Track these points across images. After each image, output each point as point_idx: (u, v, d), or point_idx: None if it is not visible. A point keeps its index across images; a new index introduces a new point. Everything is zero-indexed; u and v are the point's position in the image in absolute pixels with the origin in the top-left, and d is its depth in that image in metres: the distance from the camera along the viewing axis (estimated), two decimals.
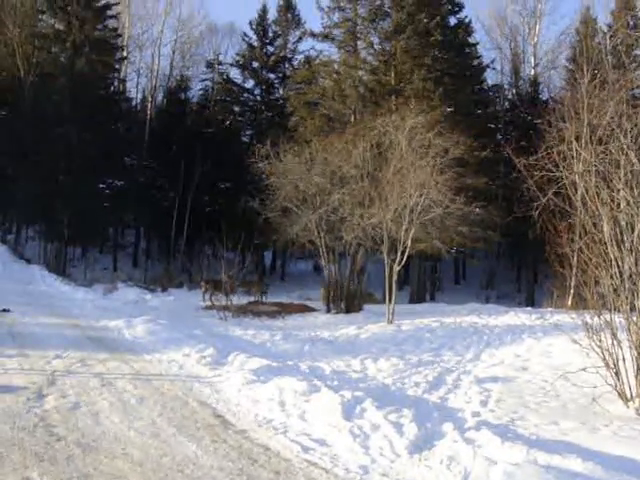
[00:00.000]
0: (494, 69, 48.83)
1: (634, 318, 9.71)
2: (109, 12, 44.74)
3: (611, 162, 10.72)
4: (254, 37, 49.18)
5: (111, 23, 45.78)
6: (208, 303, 24.22)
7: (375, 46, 38.46)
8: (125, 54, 50.29)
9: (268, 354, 14.29)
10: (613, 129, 11.01)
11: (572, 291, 19.12)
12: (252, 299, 26.80)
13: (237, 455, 7.50)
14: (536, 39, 49.46)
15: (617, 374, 9.98)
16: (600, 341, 10.06)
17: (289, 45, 50.46)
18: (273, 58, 49.08)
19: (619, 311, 10.06)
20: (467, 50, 41.79)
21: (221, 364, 12.80)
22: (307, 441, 8.13)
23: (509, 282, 46.42)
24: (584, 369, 10.23)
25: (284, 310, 23.89)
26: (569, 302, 20.17)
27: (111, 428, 8.36)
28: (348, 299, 24.51)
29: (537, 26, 49.69)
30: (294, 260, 49.87)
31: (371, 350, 15.25)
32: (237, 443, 7.98)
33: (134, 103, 54.98)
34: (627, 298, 9.84)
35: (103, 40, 43.80)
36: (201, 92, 51.95)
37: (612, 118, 11.35)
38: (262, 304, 25.63)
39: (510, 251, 47.01)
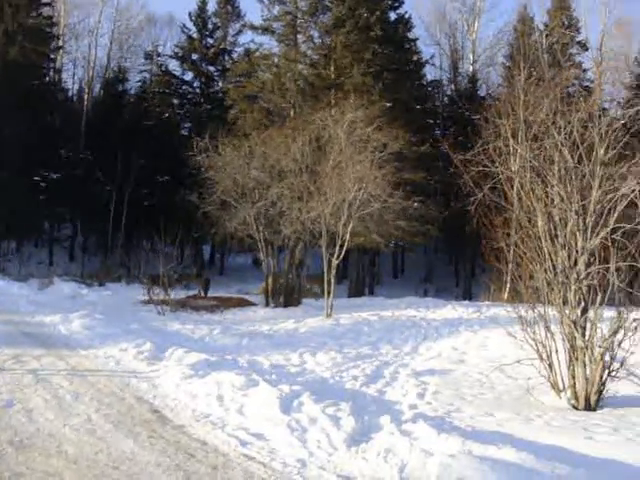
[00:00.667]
0: (433, 65, 49.43)
1: (566, 311, 9.90)
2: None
3: (546, 158, 10.90)
4: (193, 29, 48.58)
5: (46, 11, 44.54)
6: (146, 297, 23.99)
7: (315, 40, 38.53)
8: (61, 43, 49.01)
9: (206, 348, 14.22)
10: (548, 126, 11.18)
11: (508, 285, 19.44)
12: (191, 293, 26.63)
13: (174, 450, 7.44)
14: (475, 36, 50.09)
15: (550, 366, 10.18)
16: (534, 333, 10.26)
17: (229, 37, 50.05)
18: (213, 50, 48.58)
19: (552, 304, 10.25)
20: (407, 45, 42.00)
21: (159, 359, 12.69)
22: (245, 435, 8.10)
23: (447, 276, 46.93)
24: (519, 361, 10.42)
25: (223, 304, 23.81)
26: (505, 295, 20.51)
27: (45, 425, 8.21)
28: (287, 293, 24.53)
29: (476, 23, 50.32)
30: (233, 254, 49.62)
31: (310, 344, 15.29)
32: (174, 438, 7.92)
33: (70, 94, 53.95)
34: (560, 292, 10.03)
35: (37, 28, 42.52)
36: (139, 84, 51.20)
37: (547, 115, 11.51)
38: (201, 298, 25.51)
39: (448, 245, 47.50)
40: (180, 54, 48.96)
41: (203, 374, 10.92)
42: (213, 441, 7.87)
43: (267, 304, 24.47)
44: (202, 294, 27.23)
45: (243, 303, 24.81)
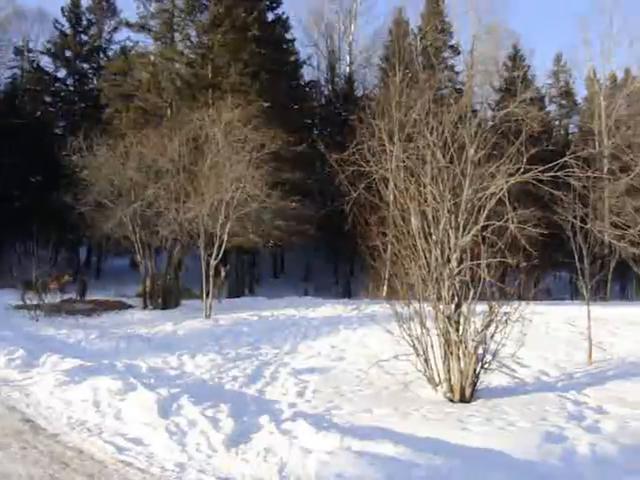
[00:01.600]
0: (311, 66, 49.73)
1: (441, 307, 10.15)
2: None
3: (419, 158, 11.14)
4: (67, 24, 47.07)
5: None
6: (19, 303, 23.15)
7: (192, 39, 38.11)
8: None
9: (83, 354, 13.90)
10: (421, 127, 11.43)
11: (386, 282, 19.79)
12: (66, 297, 25.89)
13: (48, 461, 7.22)
14: (351, 38, 50.76)
15: (426, 361, 10.42)
16: (410, 329, 10.46)
17: (104, 34, 48.74)
18: (87, 47, 47.27)
19: (427, 300, 10.49)
20: (284, 46, 42.20)
21: (32, 366, 12.34)
22: (122, 441, 7.95)
23: (327, 274, 47.33)
24: (396, 357, 10.62)
25: (100, 308, 23.31)
26: (383, 293, 20.86)
27: None
28: (165, 295, 24.23)
29: (352, 25, 50.96)
30: (110, 256, 48.53)
31: (189, 346, 15.14)
32: (48, 448, 7.68)
33: None
34: (434, 288, 10.27)
35: None
36: (9, 80, 49.31)
37: (420, 116, 11.78)
38: (77, 302, 24.83)
39: (327, 244, 47.87)
40: (52, 50, 47.33)
41: (79, 380, 10.66)
42: (89, 449, 7.68)
43: (145, 306, 24.10)
44: (78, 297, 26.53)
45: (120, 306, 24.34)
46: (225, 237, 21.25)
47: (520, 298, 10.17)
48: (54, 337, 16.89)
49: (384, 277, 15.83)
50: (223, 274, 22.59)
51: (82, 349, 14.95)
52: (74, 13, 47.34)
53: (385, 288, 19.98)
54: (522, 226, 10.01)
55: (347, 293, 38.55)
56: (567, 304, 21.90)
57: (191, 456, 7.42)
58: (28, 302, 22.15)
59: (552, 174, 10.15)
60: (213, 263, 21.40)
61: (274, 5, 39.86)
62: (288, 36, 43.13)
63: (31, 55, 49.33)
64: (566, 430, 7.96)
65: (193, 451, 7.56)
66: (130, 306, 24.38)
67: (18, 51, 49.84)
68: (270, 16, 39.79)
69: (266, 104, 32.72)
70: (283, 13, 41.27)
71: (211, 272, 21.42)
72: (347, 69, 49.97)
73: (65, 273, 29.53)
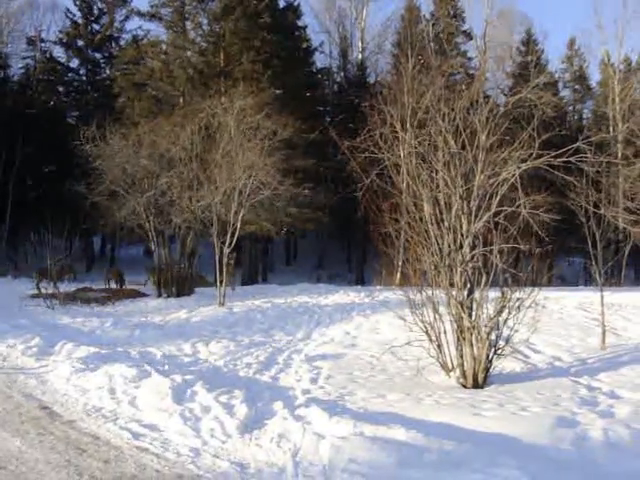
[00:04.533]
0: (323, 52, 49.50)
1: (453, 293, 10.17)
2: None
3: (431, 144, 11.14)
4: (78, 14, 47.10)
5: None
6: (35, 292, 23.28)
7: (204, 27, 38.06)
8: None
9: (97, 341, 14.02)
10: (433, 113, 11.41)
11: (399, 269, 19.79)
12: (81, 286, 26.04)
13: (64, 447, 7.30)
14: (363, 24, 50.48)
15: (439, 346, 10.45)
16: (423, 316, 10.50)
17: (115, 24, 48.65)
18: (99, 37, 47.26)
19: (440, 287, 10.51)
20: (296, 33, 42.15)
21: (48, 354, 12.45)
22: (138, 427, 8.04)
23: (340, 262, 47.38)
24: (409, 343, 10.64)
25: (114, 296, 23.41)
26: (396, 280, 20.86)
27: None
28: (179, 283, 24.29)
29: (364, 11, 50.68)
30: (124, 245, 48.74)
31: (203, 333, 15.23)
32: (64, 434, 7.77)
33: None
34: (446, 274, 10.29)
35: None
36: (22, 71, 49.35)
37: (432, 102, 11.76)
38: (91, 290, 24.95)
39: (340, 231, 47.89)
40: (65, 40, 47.38)
41: (94, 367, 10.76)
42: (105, 435, 7.77)
43: (159, 295, 24.18)
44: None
45: (135, 294, 24.45)
46: (238, 225, 21.28)
47: (533, 284, 10.17)
48: (69, 325, 16.99)
49: (397, 264, 15.84)
50: (231, 261, 22.56)
51: (97, 337, 15.05)
52: (85, 2, 47.31)
53: (398, 275, 19.99)
54: (535, 212, 9.97)
55: (360, 280, 38.57)
56: (580, 290, 21.87)
57: (205, 441, 7.49)
58: (43, 291, 22.29)
59: (565, 159, 10.10)
60: (226, 251, 21.45)
61: None
62: (300, 23, 43.16)
63: (44, 45, 49.33)
64: (579, 415, 7.97)
65: (207, 436, 7.63)
66: (144, 294, 24.48)
67: (31, 41, 49.84)
68: (281, 3, 39.89)
69: (278, 91, 32.73)
70: (294, 0, 41.20)
71: (224, 260, 21.47)
72: (359, 56, 49.76)
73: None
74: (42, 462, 6.80)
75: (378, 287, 23.33)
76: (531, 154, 10.20)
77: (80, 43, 46.97)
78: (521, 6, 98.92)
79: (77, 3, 47.23)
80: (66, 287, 22.76)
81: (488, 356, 9.87)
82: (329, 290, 23.17)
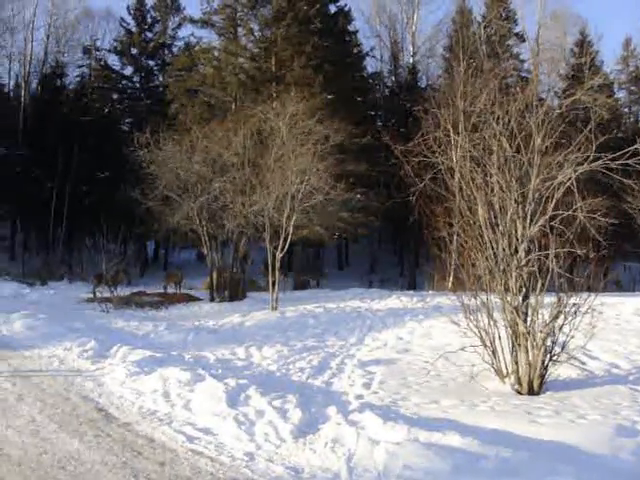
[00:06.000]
0: (374, 57, 49.39)
1: (508, 298, 10.06)
2: None
3: (485, 148, 11.04)
4: (132, 22, 47.85)
5: None
6: (90, 296, 23.64)
7: (255, 33, 38.33)
8: None
9: (152, 345, 14.15)
10: (487, 116, 11.32)
11: (452, 274, 19.65)
12: (135, 290, 26.36)
13: (121, 448, 7.39)
14: (414, 28, 50.22)
15: (494, 352, 10.34)
16: (477, 321, 10.40)
17: (168, 31, 49.33)
18: (152, 44, 47.90)
19: (494, 292, 10.41)
20: (347, 38, 42.15)
21: (104, 357, 12.61)
22: (192, 431, 8.09)
23: (392, 266, 47.17)
24: (463, 349, 10.55)
25: (167, 300, 23.63)
26: (449, 284, 20.72)
27: None
28: (232, 287, 24.45)
29: (415, 15, 50.43)
30: (177, 249, 49.21)
31: (255, 337, 15.28)
32: (121, 436, 7.86)
33: (6, 90, 52.69)
34: (501, 279, 10.18)
35: None
36: (78, 79, 50.20)
37: (485, 105, 11.66)
38: (145, 294, 25.23)
39: (392, 236, 47.77)
40: (119, 48, 48.11)
41: (149, 371, 10.87)
42: (160, 437, 7.84)
43: (212, 299, 24.38)
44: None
45: (188, 298, 24.65)
46: (290, 229, 21.35)
47: (589, 289, 10.00)
48: (124, 329, 17.21)
49: (450, 268, 15.75)
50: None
51: (151, 341, 15.21)
52: (139, 11, 48.02)
53: (451, 279, 19.86)
54: (591, 215, 9.82)
55: (412, 285, 38.32)
56: (637, 295, 21.46)
57: (259, 445, 7.51)
58: (99, 295, 22.61)
59: (622, 162, 9.93)
60: (279, 255, 21.53)
61: None
62: (351, 28, 43.10)
63: (98, 54, 50.16)
64: (639, 424, 7.81)
65: (261, 441, 7.64)
66: (197, 298, 24.68)
67: (86, 50, 50.76)
68: (332, 8, 39.81)
69: (330, 96, 32.77)
70: (345, 5, 41.27)
71: (277, 264, 21.55)
72: (410, 60, 49.51)
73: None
74: (99, 463, 6.89)
75: (430, 292, 23.23)
76: (587, 157, 10.04)
77: (134, 51, 47.64)
78: (575, 7, 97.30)
79: (131, 12, 47.98)
80: (120, 291, 23.04)
81: (544, 362, 9.74)
82: (381, 295, 23.07)
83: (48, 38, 51.24)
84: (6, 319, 16.95)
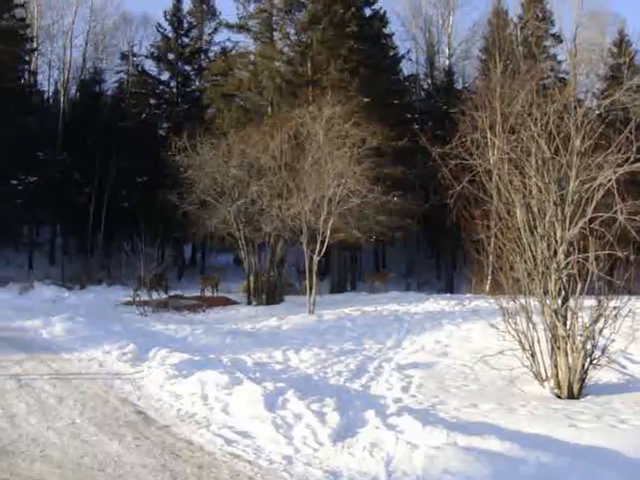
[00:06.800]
0: (410, 59, 49.24)
1: (547, 301, 9.97)
2: (16, 1, 43.08)
3: (523, 150, 10.95)
4: (169, 28, 48.21)
5: (19, 13, 43.94)
6: (129, 299, 23.86)
7: (291, 37, 38.48)
8: (35, 45, 48.51)
9: (190, 348, 14.20)
10: (524, 118, 11.24)
11: (489, 277, 19.51)
12: (172, 294, 26.57)
13: (160, 451, 7.43)
14: (450, 30, 50.07)
15: (533, 356, 10.25)
16: (516, 324, 10.32)
17: (205, 36, 49.59)
18: (189, 49, 48.25)
19: (533, 295, 10.32)
20: (383, 41, 42.06)
21: (142, 360, 12.68)
22: (230, 434, 8.10)
23: (429, 269, 47.00)
24: (501, 352, 10.46)
25: (205, 303, 23.77)
26: (487, 287, 20.57)
27: (29, 430, 8.16)
28: (269, 291, 24.54)
29: (451, 17, 50.30)
30: (214, 253, 49.48)
31: (293, 341, 15.29)
32: (160, 439, 7.90)
33: (46, 96, 53.42)
34: (540, 282, 10.09)
35: (11, 30, 41.98)
36: (116, 84, 50.74)
37: (523, 107, 11.57)
38: (182, 298, 25.42)
39: (429, 239, 47.53)
40: (156, 54, 48.55)
41: (187, 374, 10.91)
42: (199, 440, 7.86)
43: (249, 302, 24.49)
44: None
45: (225, 302, 24.80)
46: (327, 233, 21.36)
47: (630, 292, 9.88)
48: (162, 332, 17.32)
49: (488, 271, 15.63)
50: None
51: (189, 344, 15.27)
52: (176, 17, 48.39)
53: (489, 282, 19.72)
54: (632, 217, 9.69)
55: (450, 288, 38.15)
56: None
57: (298, 449, 7.50)
58: (137, 298, 22.82)
59: None
60: (316, 259, 21.55)
61: (371, 0, 39.72)
62: (386, 31, 43.00)
63: (136, 59, 50.59)
64: None
65: (300, 444, 7.63)
66: (235, 302, 24.80)
67: (124, 56, 51.26)
68: (367, 11, 39.70)
69: (366, 99, 32.75)
70: (381, 8, 41.17)
71: (314, 268, 21.57)
72: (446, 62, 49.37)
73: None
74: (138, 466, 6.93)
75: (468, 295, 23.10)
76: (628, 158, 9.92)
77: (171, 56, 47.99)
78: (613, 6, 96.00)
79: (168, 18, 48.34)
80: (158, 295, 23.23)
81: (584, 366, 9.64)
82: (419, 298, 23.01)
83: (87, 45, 52.09)
84: (46, 322, 17.20)
